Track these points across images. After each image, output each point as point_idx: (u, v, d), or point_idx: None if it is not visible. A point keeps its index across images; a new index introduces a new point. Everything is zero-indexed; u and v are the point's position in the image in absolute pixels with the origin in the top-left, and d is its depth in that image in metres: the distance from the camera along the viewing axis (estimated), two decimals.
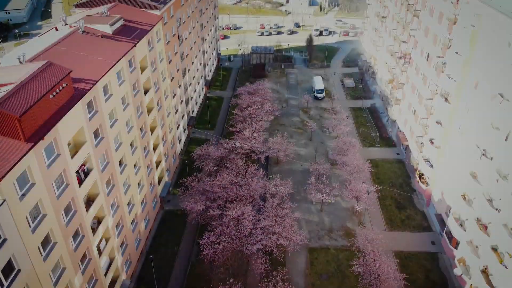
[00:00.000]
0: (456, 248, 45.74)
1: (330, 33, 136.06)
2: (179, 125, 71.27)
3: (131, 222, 50.01)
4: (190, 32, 76.43)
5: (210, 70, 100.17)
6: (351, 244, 50.93)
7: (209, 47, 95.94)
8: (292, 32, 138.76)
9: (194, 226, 56.66)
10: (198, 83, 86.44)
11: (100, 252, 41.58)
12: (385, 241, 48.99)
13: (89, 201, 39.82)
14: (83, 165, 37.91)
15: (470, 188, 43.51)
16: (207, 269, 47.77)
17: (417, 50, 64.12)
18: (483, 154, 40.67)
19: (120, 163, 46.00)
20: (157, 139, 58.90)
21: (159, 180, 61.10)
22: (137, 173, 50.64)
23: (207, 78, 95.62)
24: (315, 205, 58.52)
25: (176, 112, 68.72)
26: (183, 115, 74.23)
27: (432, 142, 54.63)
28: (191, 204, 53.49)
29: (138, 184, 51.92)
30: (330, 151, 69.03)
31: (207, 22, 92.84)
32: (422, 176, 57.43)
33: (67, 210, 34.95)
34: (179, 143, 71.60)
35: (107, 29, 47.57)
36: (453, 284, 47.10)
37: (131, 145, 48.92)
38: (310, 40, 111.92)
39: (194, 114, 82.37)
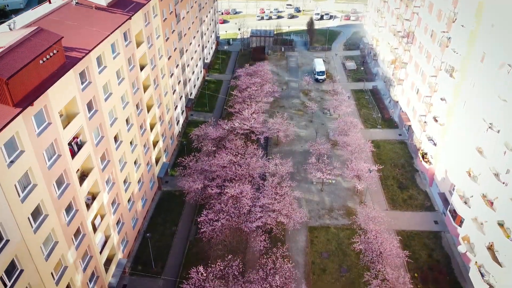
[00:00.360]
0: (460, 226, 44.66)
1: (331, 17, 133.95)
2: (176, 106, 69.86)
3: (128, 201, 48.90)
4: (188, 12, 74.69)
5: (209, 53, 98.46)
6: (352, 222, 49.88)
7: (207, 29, 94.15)
8: (292, 17, 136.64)
9: (193, 206, 55.63)
10: (197, 65, 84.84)
11: (95, 229, 40.48)
12: (387, 219, 47.91)
13: (83, 176, 38.66)
14: (76, 137, 36.67)
15: (475, 163, 42.32)
16: (206, 246, 46.77)
17: (421, 28, 62.49)
18: (489, 127, 39.38)
19: (116, 139, 44.74)
20: (154, 118, 57.60)
21: (157, 161, 59.91)
22: (133, 151, 49.40)
23: (205, 61, 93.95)
24: (315, 185, 57.36)
25: (173, 93, 67.27)
26: (181, 96, 72.79)
27: (436, 120, 53.31)
28: (189, 183, 52.33)
29: (135, 163, 50.71)
30: (331, 132, 67.75)
31: (206, 3, 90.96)
32: (425, 156, 56.21)
33: (59, 182, 33.75)
34: (177, 124, 70.29)
35: (102, 1, 46.05)
36: (456, 263, 46.10)
37: (127, 121, 47.62)
38: (311, 23, 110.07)
39: (192, 97, 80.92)
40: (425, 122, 57.17)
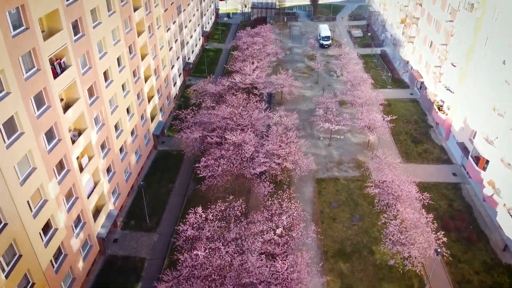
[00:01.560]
0: (484, 169, 40.67)
1: None
2: (173, 65, 65.95)
3: (120, 150, 44.94)
4: None
5: (208, 23, 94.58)
6: (364, 170, 45.91)
7: None
8: None
9: (191, 163, 51.55)
10: (195, 30, 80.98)
11: (81, 168, 36.51)
12: (402, 167, 43.94)
13: (67, 106, 34.71)
14: (59, 58, 32.73)
15: (502, 98, 38.37)
16: (205, 197, 42.76)
17: None
18: None
19: (106, 77, 40.82)
20: (149, 69, 53.64)
21: (152, 118, 55.99)
22: (125, 96, 45.44)
23: (204, 29, 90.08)
24: (322, 141, 53.37)
25: (170, 49, 63.35)
26: (178, 57, 68.88)
27: (453, 65, 49.34)
28: (186, 134, 48.28)
29: (127, 111, 46.74)
30: (338, 92, 63.69)
31: None
32: (441, 107, 52.23)
33: (39, 101, 29.76)
34: (174, 85, 66.35)
35: None
36: (479, 212, 42.11)
37: (118, 61, 43.69)
38: None
39: (190, 61, 76.96)
40: (440, 73, 53.19)
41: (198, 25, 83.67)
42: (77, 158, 36.39)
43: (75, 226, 35.90)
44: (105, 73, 40.51)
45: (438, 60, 54.39)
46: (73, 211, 34.82)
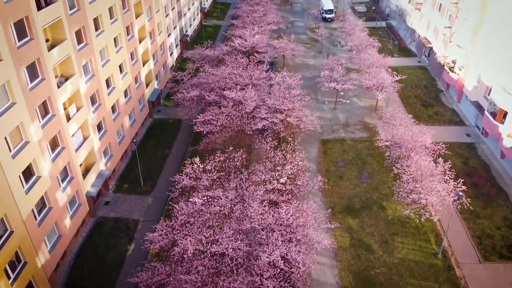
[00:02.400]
0: (502, 123, 37.85)
1: None
2: (170, 34, 63.16)
3: (112, 109, 42.15)
4: None
5: (206, 1, 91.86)
6: (372, 134, 43.04)
7: None
8: None
9: (189, 131, 48.50)
10: (193, 3, 78.23)
11: (68, 117, 33.71)
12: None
13: (53, 46, 31.91)
14: None
15: None
16: (203, 156, 39.90)
17: None
18: None
19: (96, 26, 38.05)
20: (143, 30, 50.86)
21: (147, 84, 53.19)
22: (118, 52, 42.65)
23: (203, 5, 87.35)
24: (327, 105, 50.50)
25: (166, 16, 60.58)
26: (175, 27, 66.12)
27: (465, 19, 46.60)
28: (183, 94, 45.45)
29: (120, 69, 43.94)
30: (344, 60, 60.78)
31: None
32: (452, 69, 49.44)
33: (20, 31, 26.94)
34: (170, 55, 63.54)
35: None
36: (496, 170, 39.30)
37: (110, 13, 40.91)
38: None
39: (188, 33, 74.14)
40: (451, 33, 50.40)
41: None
42: (64, 106, 33.70)
43: (61, 180, 33.12)
44: (95, 21, 37.74)
45: (449, 20, 51.65)
46: (58, 161, 31.98)
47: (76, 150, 35.07)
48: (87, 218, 37.74)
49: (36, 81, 29.31)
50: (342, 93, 50.52)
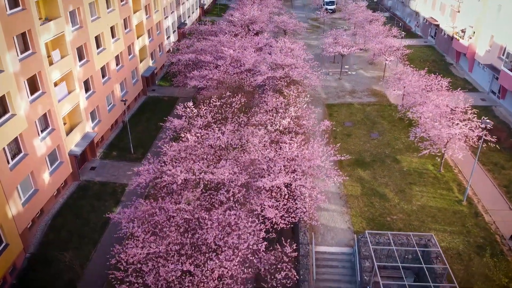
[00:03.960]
0: None
1: None
2: (167, 16, 61.27)
3: (101, 71, 39.40)
4: None
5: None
6: (381, 99, 40.06)
7: None
8: None
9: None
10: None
11: (51, 62, 30.82)
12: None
13: None
14: None
15: None
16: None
17: None
18: None
19: None
20: (138, 3, 48.78)
21: (141, 60, 50.68)
22: (109, 13, 40.28)
23: (202, 2, 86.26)
24: (332, 76, 47.68)
25: None
26: (173, 11, 64.36)
27: None
28: (178, 58, 42.72)
29: (112, 32, 41.47)
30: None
31: None
32: (462, 37, 47.01)
33: None
34: (167, 39, 61.40)
35: None
36: None
37: None
38: None
39: (186, 23, 72.41)
40: (460, 1, 48.30)
41: None
42: (47, 49, 30.87)
43: (41, 130, 29.91)
44: None
45: None
46: (37, 105, 28.87)
47: (59, 100, 32.04)
48: (70, 180, 34.27)
49: (16, 9, 26.61)
50: (347, 67, 47.88)
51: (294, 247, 20.27)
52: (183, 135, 25.33)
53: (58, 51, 32.20)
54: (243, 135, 25.69)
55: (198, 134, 25.45)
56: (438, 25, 56.15)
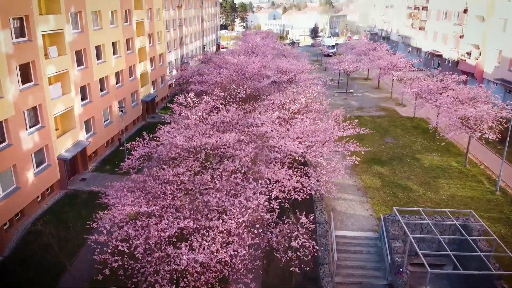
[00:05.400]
0: None
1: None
2: (170, 51, 61.76)
3: (100, 83, 38.09)
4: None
5: (210, 49, 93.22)
6: (391, 113, 38.30)
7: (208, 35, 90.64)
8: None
9: None
10: (196, 40, 78.78)
11: (46, 55, 29.45)
12: None
13: None
14: None
15: None
16: None
17: None
18: None
19: None
20: (142, 27, 48.99)
21: (142, 86, 49.76)
22: (112, 28, 39.96)
23: (204, 49, 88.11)
24: (337, 96, 46.31)
25: (167, 31, 59.66)
26: (176, 48, 65.08)
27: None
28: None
29: (114, 49, 40.82)
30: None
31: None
32: (468, 55, 46.58)
33: None
34: (169, 72, 61.25)
35: None
36: None
37: None
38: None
39: (189, 63, 73.06)
40: (464, 24, 48.53)
41: (199, 39, 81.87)
42: (44, 41, 29.50)
43: (29, 126, 27.65)
44: None
45: (458, 19, 50.24)
46: (28, 94, 26.97)
47: (52, 99, 30.11)
48: (57, 188, 31.26)
49: None
50: (352, 90, 46.78)
51: (312, 219, 17.10)
52: (183, 114, 22.96)
53: (55, 48, 30.89)
54: (251, 116, 23.38)
55: (200, 113, 23.13)
56: (441, 56, 56.17)
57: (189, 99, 27.19)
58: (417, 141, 31.88)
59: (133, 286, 16.08)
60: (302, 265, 15.87)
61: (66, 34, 31.70)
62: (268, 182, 17.55)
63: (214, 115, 23.12)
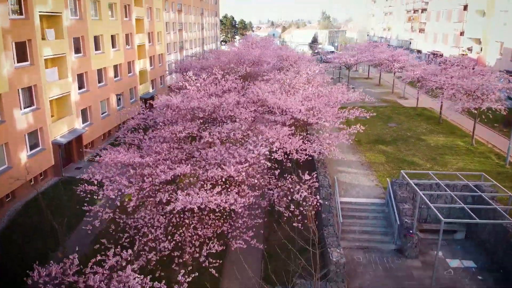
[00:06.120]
0: None
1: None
2: (170, 53, 61.68)
3: (97, 74, 37.61)
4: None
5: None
6: (394, 104, 37.63)
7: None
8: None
9: None
10: (197, 47, 78.78)
11: (44, 37, 29.02)
12: None
13: None
14: None
15: None
16: None
17: None
18: None
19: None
20: (141, 24, 48.95)
21: (141, 83, 49.39)
22: (111, 18, 39.75)
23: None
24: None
25: (167, 33, 59.71)
26: (176, 51, 65.07)
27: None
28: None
29: (112, 42, 40.52)
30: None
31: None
32: (469, 50, 46.28)
33: None
34: (168, 74, 60.94)
35: None
36: None
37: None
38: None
39: None
40: (465, 20, 48.44)
41: (199, 45, 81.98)
42: (41, 22, 29.07)
43: (24, 106, 26.99)
44: None
45: (458, 16, 50.23)
46: (23, 73, 26.43)
47: (49, 82, 29.54)
48: (51, 174, 30.38)
49: None
50: (353, 87, 46.14)
51: (314, 176, 16.23)
52: (181, 83, 22.29)
53: (53, 31, 30.49)
54: (251, 86, 22.72)
55: (199, 84, 22.45)
56: (442, 55, 55.96)
57: (188, 77, 26.54)
58: (421, 126, 31.13)
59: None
60: (305, 221, 14.88)
61: (64, 19, 31.33)
62: (268, 139, 16.73)
63: (212, 86, 22.41)
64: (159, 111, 20.24)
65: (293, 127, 18.62)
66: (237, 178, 13.82)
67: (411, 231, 16.43)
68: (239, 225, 15.41)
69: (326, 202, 17.48)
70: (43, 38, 29.05)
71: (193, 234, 14.38)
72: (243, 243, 14.80)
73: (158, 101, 21.18)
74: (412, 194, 18.16)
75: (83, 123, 35.13)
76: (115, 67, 41.62)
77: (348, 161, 23.37)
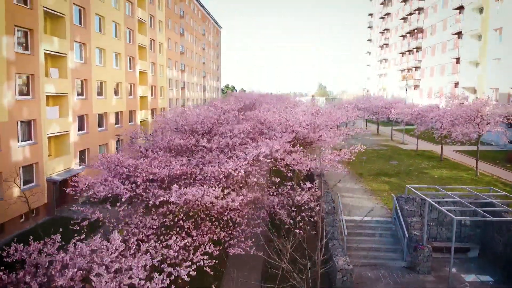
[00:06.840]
0: None
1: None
2: (172, 109, 62.78)
3: (99, 118, 38.01)
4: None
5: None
6: (394, 147, 37.31)
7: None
8: None
9: None
10: (199, 93, 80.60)
11: (47, 74, 29.68)
12: None
13: None
14: None
15: None
16: None
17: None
18: None
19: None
20: (145, 78, 50.51)
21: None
22: (115, 69, 41.07)
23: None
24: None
25: (169, 85, 61.40)
26: (177, 99, 66.59)
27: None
28: None
29: (115, 92, 41.55)
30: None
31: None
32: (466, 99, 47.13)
33: None
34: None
35: None
36: None
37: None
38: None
39: None
40: (458, 71, 49.96)
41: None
42: (46, 58, 29.84)
43: (21, 139, 26.85)
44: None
45: (451, 67, 52.05)
46: (22, 105, 26.60)
47: (49, 119, 29.69)
48: (43, 213, 29.32)
49: None
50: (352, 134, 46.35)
51: (316, 184, 15.57)
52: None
53: (57, 70, 31.27)
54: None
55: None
56: (438, 108, 56.93)
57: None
58: (423, 163, 30.62)
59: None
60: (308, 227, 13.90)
61: (69, 60, 32.25)
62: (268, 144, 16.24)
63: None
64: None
65: (293, 143, 18.23)
66: (236, 176, 13.15)
67: (421, 244, 15.36)
68: (238, 233, 14.41)
69: (330, 217, 16.57)
70: (46, 76, 29.65)
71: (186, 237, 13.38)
72: (242, 250, 13.73)
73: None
74: (419, 209, 17.27)
75: (80, 163, 34.69)
76: (116, 114, 42.12)
77: (351, 188, 22.66)
